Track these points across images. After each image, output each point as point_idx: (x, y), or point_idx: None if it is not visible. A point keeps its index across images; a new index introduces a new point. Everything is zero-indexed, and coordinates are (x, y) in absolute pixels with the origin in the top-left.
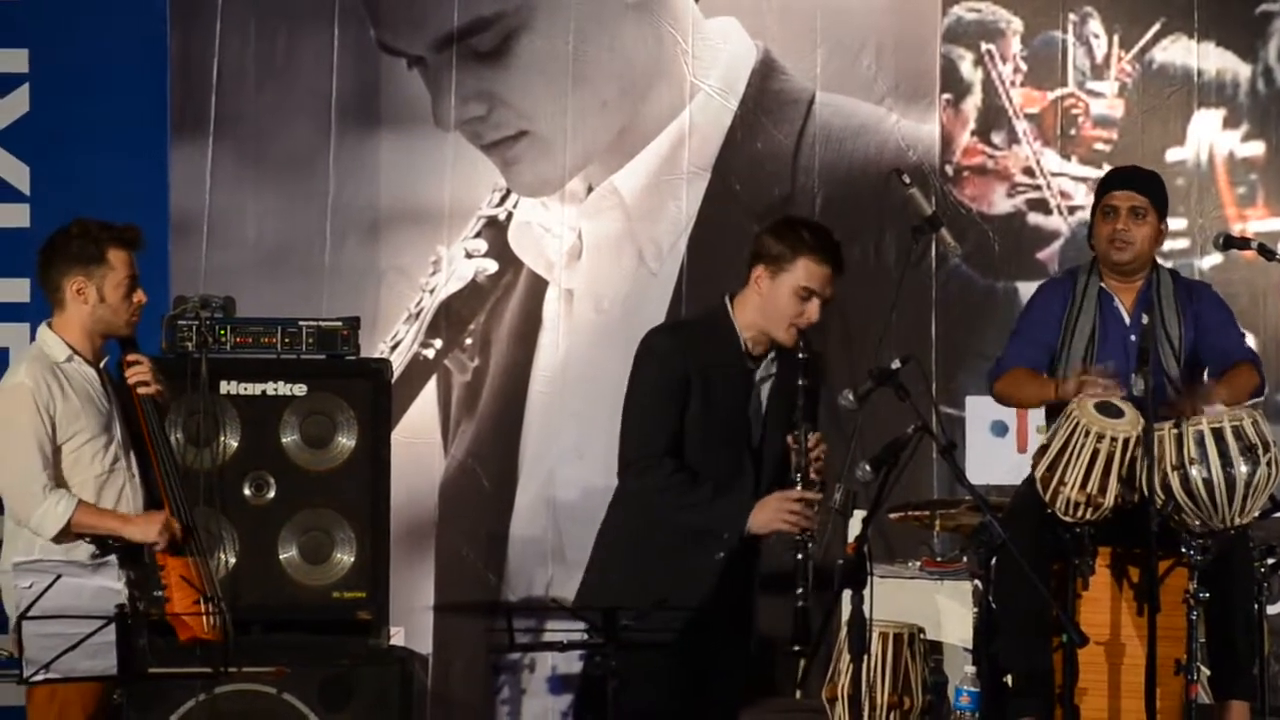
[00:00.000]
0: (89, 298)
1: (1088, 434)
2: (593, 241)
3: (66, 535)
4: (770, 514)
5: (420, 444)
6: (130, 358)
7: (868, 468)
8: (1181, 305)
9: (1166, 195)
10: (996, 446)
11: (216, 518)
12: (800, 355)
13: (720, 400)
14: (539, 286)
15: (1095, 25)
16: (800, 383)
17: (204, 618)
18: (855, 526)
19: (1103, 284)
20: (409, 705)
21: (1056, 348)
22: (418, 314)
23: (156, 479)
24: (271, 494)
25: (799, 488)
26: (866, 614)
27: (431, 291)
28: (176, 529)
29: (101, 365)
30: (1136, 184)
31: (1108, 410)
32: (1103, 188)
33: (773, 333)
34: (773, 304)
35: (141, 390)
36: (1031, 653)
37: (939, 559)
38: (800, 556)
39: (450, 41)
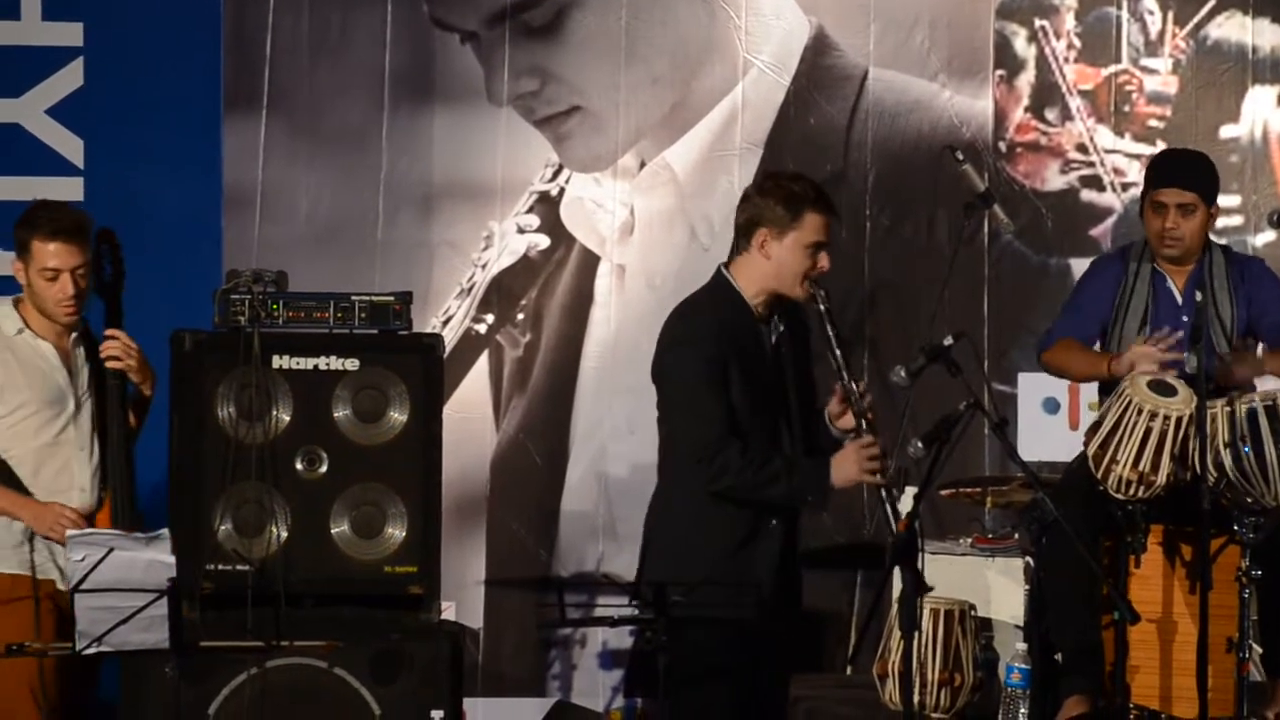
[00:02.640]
0: (22, 279)
1: (1140, 412)
2: (645, 217)
3: None
4: (853, 467)
5: (472, 419)
6: (108, 331)
7: (919, 444)
8: (1234, 285)
9: (1217, 180)
10: (1048, 423)
11: (268, 492)
12: (823, 306)
13: (752, 371)
14: (591, 262)
15: (1149, 1)
16: (831, 333)
17: None
18: (907, 503)
19: (1155, 264)
20: (459, 679)
21: (1108, 323)
22: (470, 289)
23: (110, 476)
24: (323, 468)
25: (866, 436)
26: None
27: (483, 266)
28: (74, 522)
29: (73, 337)
30: (1184, 179)
31: (1161, 388)
32: (1152, 178)
33: (788, 292)
34: (785, 265)
35: (110, 364)
36: (1082, 630)
37: (990, 536)
38: (887, 502)
39: (503, 16)
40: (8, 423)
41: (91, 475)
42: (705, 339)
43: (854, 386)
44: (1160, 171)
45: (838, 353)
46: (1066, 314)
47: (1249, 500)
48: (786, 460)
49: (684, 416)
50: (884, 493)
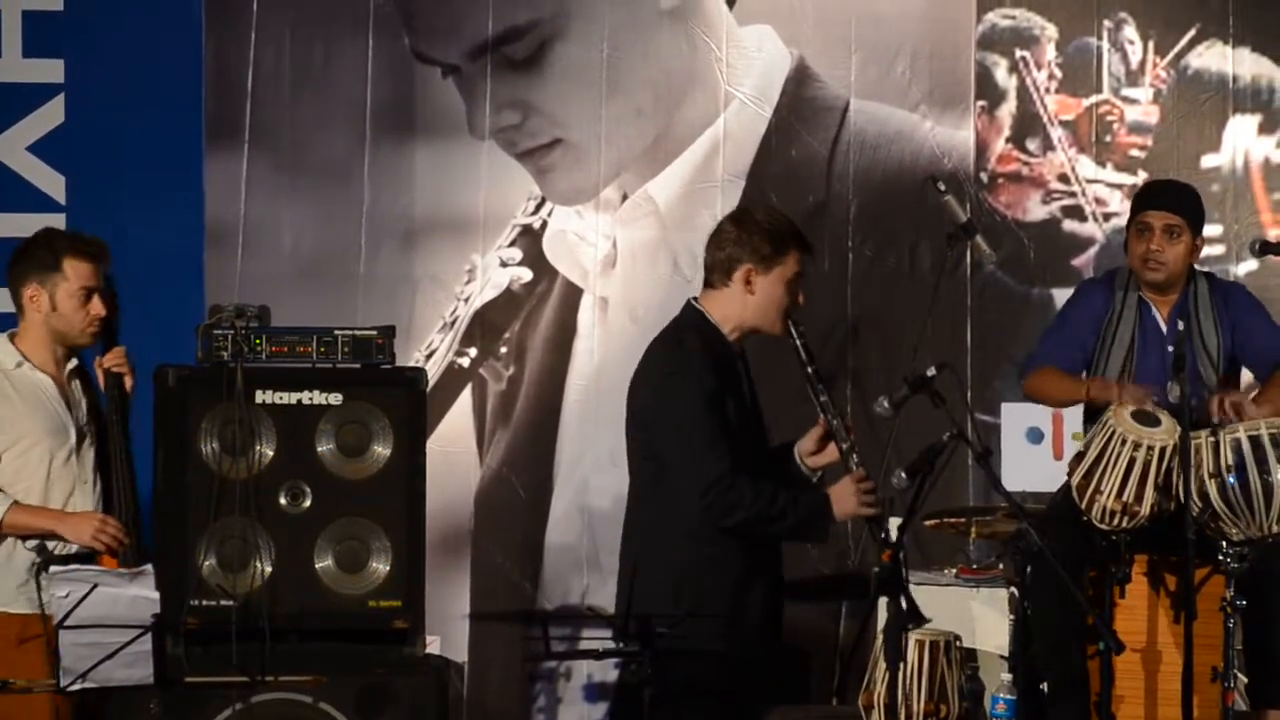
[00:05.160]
0: (41, 305)
1: (1124, 442)
2: (627, 249)
3: (0, 537)
4: (852, 500)
5: (456, 453)
6: (113, 352)
7: (903, 475)
8: (1219, 314)
9: (1202, 210)
10: (1032, 453)
11: (252, 527)
12: (799, 341)
13: (739, 404)
14: (574, 295)
15: (1130, 31)
16: (810, 369)
17: None
18: (891, 533)
19: (1140, 294)
20: (445, 713)
21: (1092, 350)
22: (453, 323)
23: (114, 480)
24: (307, 503)
25: (858, 470)
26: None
27: (466, 300)
28: (115, 530)
29: (69, 368)
30: (1171, 203)
31: (1144, 418)
32: (1138, 203)
33: (768, 327)
34: (769, 299)
35: (117, 370)
36: (1067, 660)
37: (975, 566)
38: (882, 535)
39: (485, 50)
40: (11, 455)
41: (95, 508)
42: (701, 371)
43: (838, 422)
44: (1146, 195)
45: (819, 387)
46: (1050, 339)
47: (1233, 530)
48: (790, 494)
49: (689, 451)
50: (874, 526)
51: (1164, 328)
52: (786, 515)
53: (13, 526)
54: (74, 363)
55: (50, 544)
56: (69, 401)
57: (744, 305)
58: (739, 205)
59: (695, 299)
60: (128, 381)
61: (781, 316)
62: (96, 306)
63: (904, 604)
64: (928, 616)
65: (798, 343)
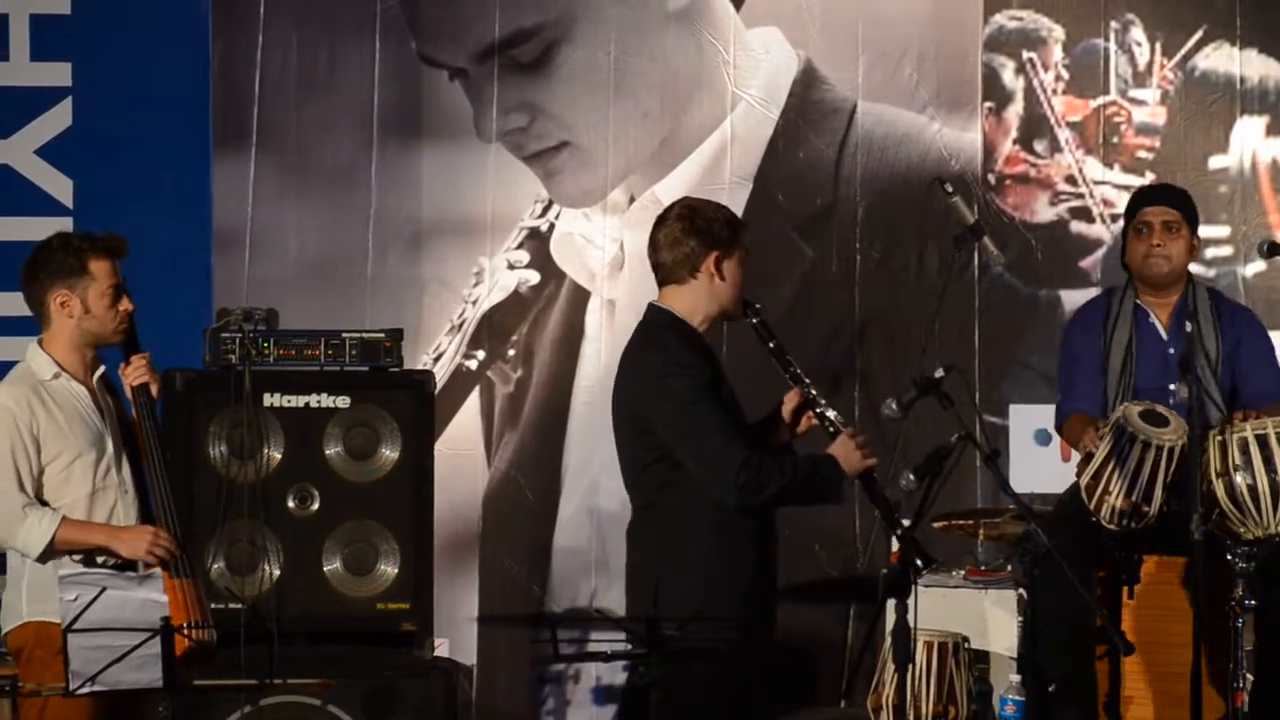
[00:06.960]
0: (73, 310)
1: (1133, 442)
2: (635, 252)
3: (52, 553)
4: (856, 455)
5: (463, 455)
6: (133, 357)
7: (911, 477)
8: (1223, 325)
9: (1197, 211)
10: (1040, 455)
11: (261, 530)
12: (756, 320)
13: (728, 393)
14: (581, 297)
15: (1137, 33)
16: (772, 344)
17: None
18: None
19: (1138, 300)
20: (453, 716)
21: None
22: (460, 325)
23: (153, 492)
24: (315, 506)
25: (848, 428)
26: (911, 623)
27: (474, 303)
28: (168, 544)
29: (97, 376)
30: (1168, 199)
31: (1152, 418)
32: (1133, 205)
33: (732, 310)
34: (734, 283)
35: (145, 379)
36: (1075, 661)
37: (983, 568)
38: (878, 490)
39: (491, 53)
40: (55, 467)
41: (137, 518)
42: (692, 366)
43: (812, 390)
44: (1142, 195)
45: (789, 358)
46: (1065, 387)
47: (1241, 530)
48: (806, 461)
49: (705, 443)
50: (871, 481)
51: (1163, 333)
52: (811, 481)
53: (64, 543)
54: (102, 369)
55: (98, 558)
56: (101, 411)
57: (712, 293)
58: (686, 205)
59: (656, 301)
60: (153, 388)
61: (741, 298)
62: (126, 303)
63: (914, 552)
64: (936, 558)
65: (754, 321)
